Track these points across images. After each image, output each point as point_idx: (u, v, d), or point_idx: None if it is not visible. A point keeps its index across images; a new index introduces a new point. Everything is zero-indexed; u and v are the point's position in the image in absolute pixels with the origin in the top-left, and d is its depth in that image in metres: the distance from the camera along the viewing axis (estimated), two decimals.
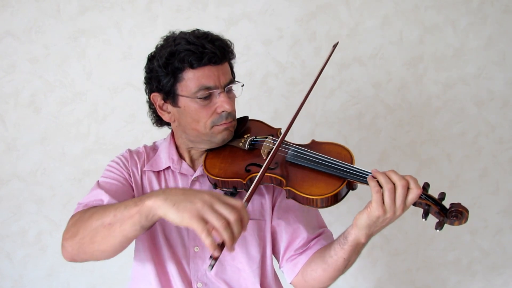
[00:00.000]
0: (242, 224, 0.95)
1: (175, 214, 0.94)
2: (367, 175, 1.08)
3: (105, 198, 1.19)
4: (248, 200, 1.05)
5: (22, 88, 1.97)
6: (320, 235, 1.29)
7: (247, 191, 1.09)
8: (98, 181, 1.27)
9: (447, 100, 2.17)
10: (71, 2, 1.94)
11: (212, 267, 0.94)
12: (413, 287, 2.32)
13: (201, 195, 0.96)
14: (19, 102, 1.97)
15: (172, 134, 1.36)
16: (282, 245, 1.29)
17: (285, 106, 2.09)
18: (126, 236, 1.03)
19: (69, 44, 1.96)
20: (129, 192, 1.27)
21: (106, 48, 1.98)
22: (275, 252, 1.31)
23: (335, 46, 1.32)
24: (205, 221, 0.93)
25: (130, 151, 1.36)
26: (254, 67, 2.05)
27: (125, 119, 2.04)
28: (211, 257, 0.95)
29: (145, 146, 1.39)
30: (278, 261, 1.32)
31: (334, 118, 2.12)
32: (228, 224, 0.93)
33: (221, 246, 0.94)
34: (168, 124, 1.34)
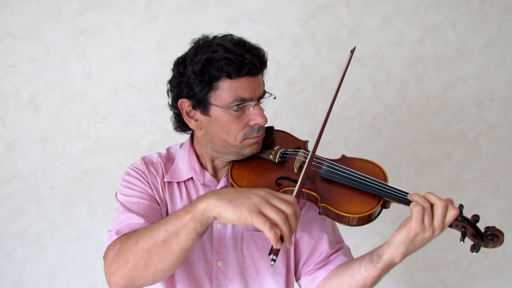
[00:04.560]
0: (297, 218, 0.95)
1: (232, 212, 0.92)
2: (404, 195, 1.08)
3: (140, 221, 1.12)
4: (297, 196, 1.04)
5: (22, 88, 1.97)
6: (339, 250, 1.28)
7: None
8: (121, 203, 1.18)
9: (447, 100, 2.16)
10: (71, 2, 1.94)
11: (274, 261, 0.93)
12: (413, 287, 2.32)
13: (255, 191, 0.95)
14: (19, 102, 1.97)
15: (191, 141, 1.29)
16: (302, 258, 1.27)
17: (285, 106, 2.09)
18: (183, 248, 0.98)
19: (69, 44, 1.96)
20: (156, 209, 1.20)
21: (106, 48, 1.98)
22: (293, 263, 1.29)
23: (352, 51, 1.28)
24: (264, 216, 0.92)
25: (145, 162, 1.26)
26: None
27: (125, 119, 2.04)
28: (271, 253, 0.93)
29: (159, 156, 1.30)
30: (295, 273, 1.30)
31: (334, 118, 2.12)
32: (286, 217, 0.92)
33: (281, 240, 0.94)
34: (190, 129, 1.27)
